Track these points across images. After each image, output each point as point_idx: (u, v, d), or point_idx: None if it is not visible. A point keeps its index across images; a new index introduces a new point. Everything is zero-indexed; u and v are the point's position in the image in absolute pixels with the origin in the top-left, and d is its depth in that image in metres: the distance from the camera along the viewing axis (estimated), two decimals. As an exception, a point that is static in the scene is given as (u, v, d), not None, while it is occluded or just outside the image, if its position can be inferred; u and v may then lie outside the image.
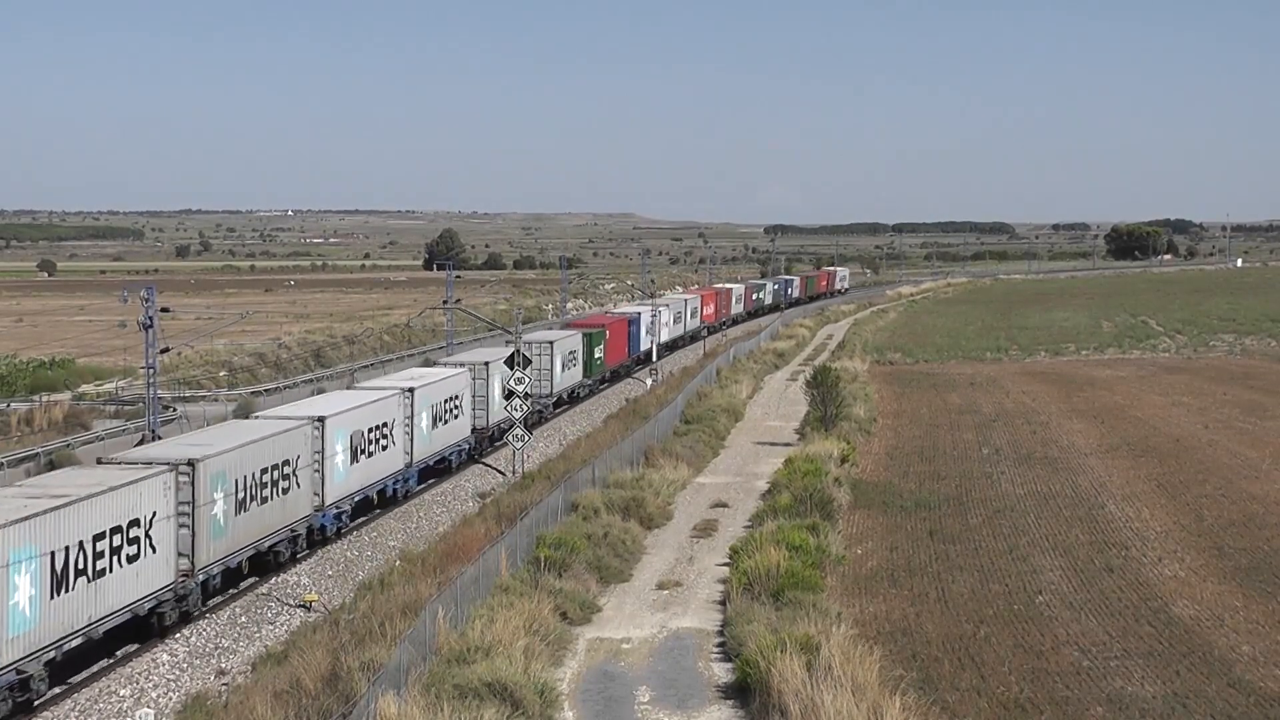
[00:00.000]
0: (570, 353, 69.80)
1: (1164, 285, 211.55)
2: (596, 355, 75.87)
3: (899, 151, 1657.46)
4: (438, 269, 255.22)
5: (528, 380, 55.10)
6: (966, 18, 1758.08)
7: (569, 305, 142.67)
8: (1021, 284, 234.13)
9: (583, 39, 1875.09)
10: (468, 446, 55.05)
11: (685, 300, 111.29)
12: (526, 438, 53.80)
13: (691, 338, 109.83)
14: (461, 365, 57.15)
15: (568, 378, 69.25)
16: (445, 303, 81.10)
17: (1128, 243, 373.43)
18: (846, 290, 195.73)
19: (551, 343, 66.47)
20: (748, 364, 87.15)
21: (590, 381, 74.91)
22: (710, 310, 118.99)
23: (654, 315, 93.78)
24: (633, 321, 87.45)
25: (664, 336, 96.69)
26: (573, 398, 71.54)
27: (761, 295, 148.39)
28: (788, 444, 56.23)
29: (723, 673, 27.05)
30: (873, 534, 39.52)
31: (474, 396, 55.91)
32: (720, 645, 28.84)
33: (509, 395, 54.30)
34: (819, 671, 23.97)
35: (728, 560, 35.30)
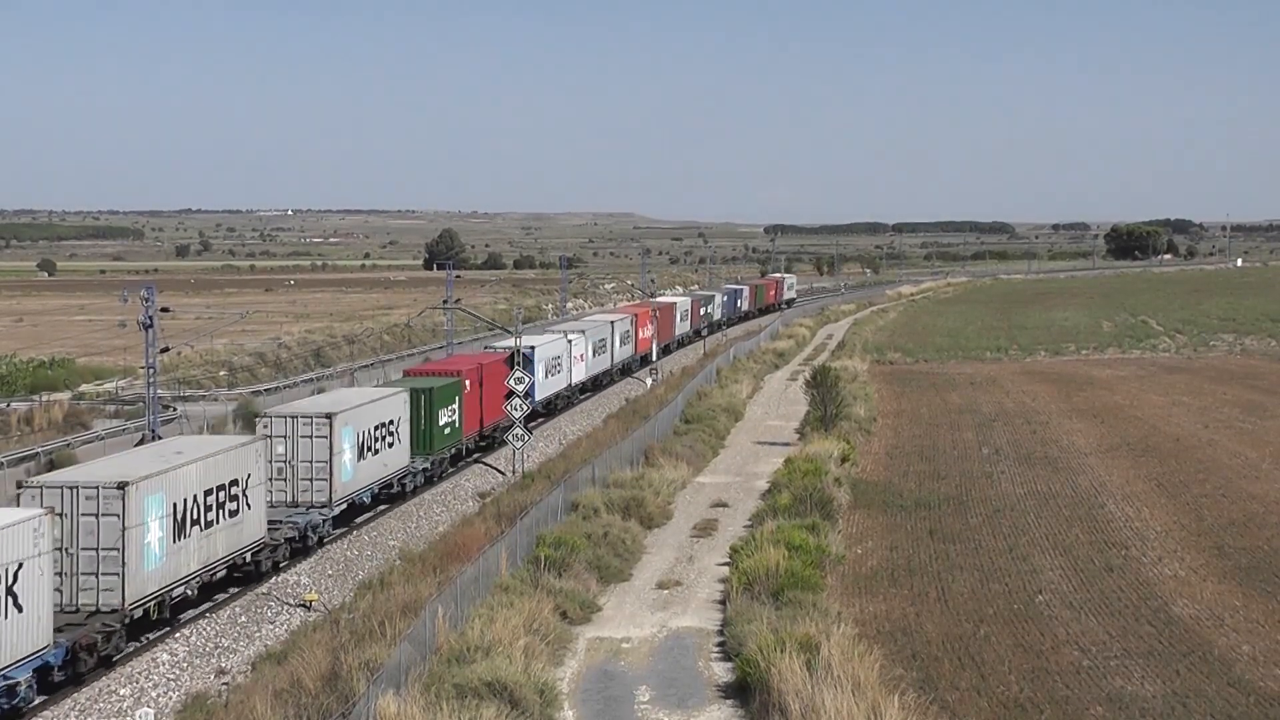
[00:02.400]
0: (380, 426, 44.84)
1: (1164, 285, 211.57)
2: (444, 420, 50.44)
3: (899, 151, 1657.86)
4: (438, 269, 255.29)
5: (527, 380, 55.05)
6: (966, 17, 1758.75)
7: (569, 305, 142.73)
8: (1021, 284, 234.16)
9: (583, 39, 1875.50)
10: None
11: (612, 323, 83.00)
12: (526, 437, 53.79)
13: (622, 370, 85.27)
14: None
15: (373, 467, 44.25)
16: (445, 302, 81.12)
17: (1128, 242, 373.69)
18: (794, 301, 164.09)
19: (330, 416, 40.94)
20: (748, 364, 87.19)
21: (427, 465, 49.32)
22: (648, 333, 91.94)
23: (560, 348, 68.87)
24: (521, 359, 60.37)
25: (578, 375, 72.55)
26: (389, 496, 46.75)
27: (710, 309, 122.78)
28: (788, 444, 56.23)
29: (723, 672, 27.05)
30: (873, 533, 39.52)
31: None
32: (720, 645, 28.84)
33: (509, 395, 54.28)
34: (819, 671, 23.98)
35: (728, 560, 35.31)
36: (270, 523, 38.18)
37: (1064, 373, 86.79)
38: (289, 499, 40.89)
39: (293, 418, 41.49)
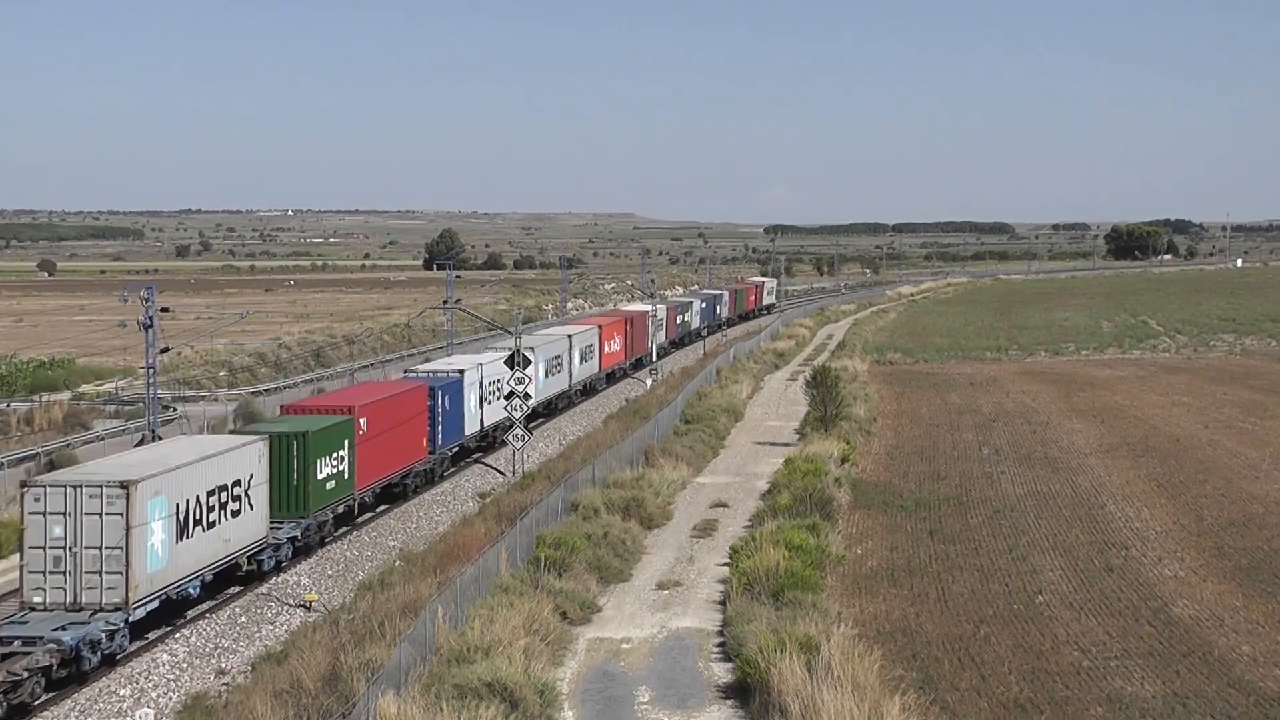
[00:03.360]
0: (218, 490, 34.17)
1: (1164, 285, 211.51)
2: (326, 472, 40.04)
3: (899, 151, 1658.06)
4: (438, 269, 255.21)
5: (528, 380, 54.96)
6: (966, 17, 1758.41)
7: (569, 305, 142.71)
8: (1021, 284, 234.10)
9: (583, 39, 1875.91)
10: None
11: (570, 337, 70.45)
12: (526, 437, 53.75)
13: (584, 391, 73.73)
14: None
15: (204, 546, 33.59)
16: (445, 303, 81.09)
17: (1128, 243, 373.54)
18: (773, 307, 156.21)
19: (127, 485, 30.29)
20: (748, 364, 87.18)
21: (297, 532, 38.71)
22: (615, 347, 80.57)
23: (500, 370, 55.95)
24: (442, 389, 49.85)
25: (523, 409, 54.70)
26: (243, 577, 36.81)
27: (688, 317, 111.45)
28: (788, 444, 56.21)
29: (723, 672, 27.05)
30: (873, 534, 39.52)
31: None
32: (720, 645, 28.84)
33: (509, 395, 54.20)
34: (819, 671, 23.97)
35: (728, 560, 35.30)
36: (20, 640, 28.44)
37: (1064, 373, 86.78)
38: (68, 599, 30.28)
39: (74, 487, 30.34)
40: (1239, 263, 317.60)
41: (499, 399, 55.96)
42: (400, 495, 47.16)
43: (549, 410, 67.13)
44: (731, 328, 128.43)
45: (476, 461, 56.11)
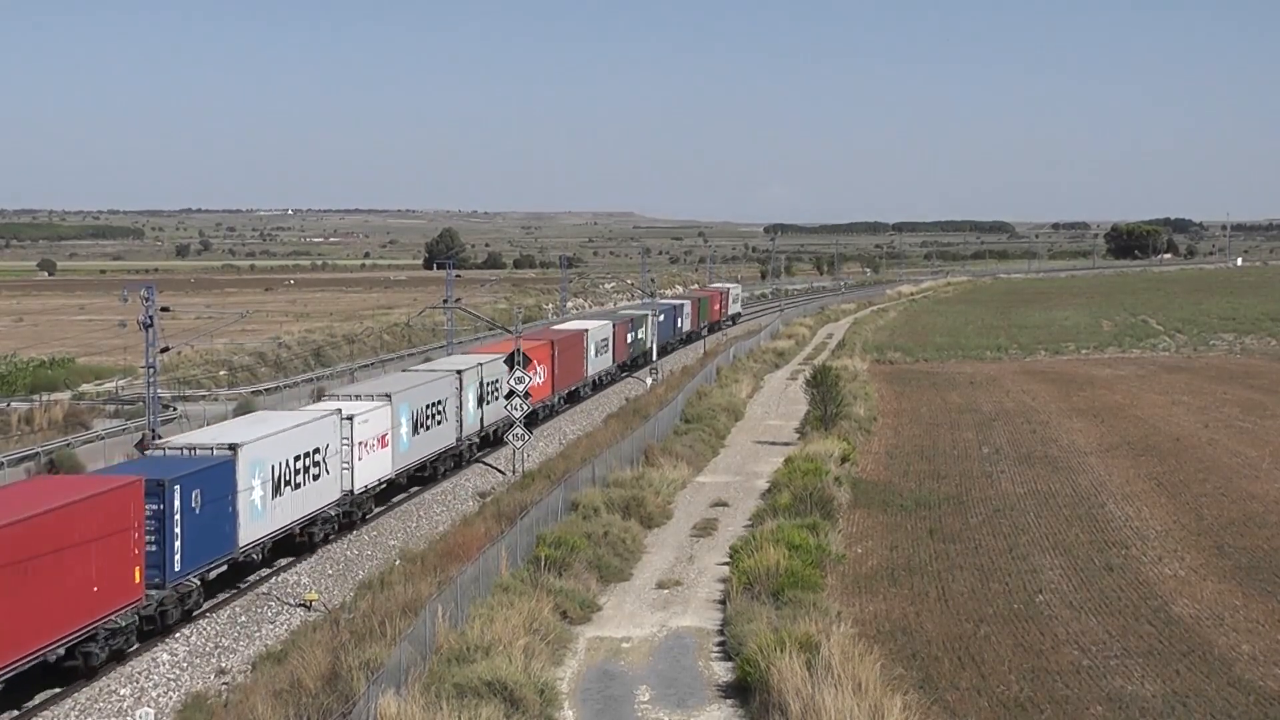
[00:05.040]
0: None
1: (1164, 284, 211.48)
2: None
3: (899, 151, 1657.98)
4: (438, 268, 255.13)
5: (526, 380, 54.86)
6: (966, 16, 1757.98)
7: (569, 305, 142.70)
8: (1021, 283, 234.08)
9: (583, 38, 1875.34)
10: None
11: (460, 373, 53.02)
12: (526, 437, 53.76)
13: (486, 441, 57.31)
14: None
15: None
16: (445, 302, 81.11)
17: (1128, 242, 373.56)
18: (739, 317, 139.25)
19: None
20: (748, 363, 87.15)
21: None
22: (539, 379, 62.22)
23: (326, 432, 40.89)
24: (183, 482, 32.48)
25: (372, 471, 44.28)
26: None
27: (642, 333, 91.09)
28: (788, 443, 56.21)
29: (723, 672, 27.04)
30: (873, 533, 39.52)
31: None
32: (720, 644, 28.83)
33: (509, 395, 54.19)
34: (819, 670, 23.96)
35: (728, 559, 35.29)
36: None
37: (1064, 372, 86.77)
38: None
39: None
40: (1239, 262, 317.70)
41: (306, 482, 39.52)
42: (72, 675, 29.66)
43: (427, 477, 50.30)
44: (692, 343, 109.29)
45: (478, 461, 56.11)
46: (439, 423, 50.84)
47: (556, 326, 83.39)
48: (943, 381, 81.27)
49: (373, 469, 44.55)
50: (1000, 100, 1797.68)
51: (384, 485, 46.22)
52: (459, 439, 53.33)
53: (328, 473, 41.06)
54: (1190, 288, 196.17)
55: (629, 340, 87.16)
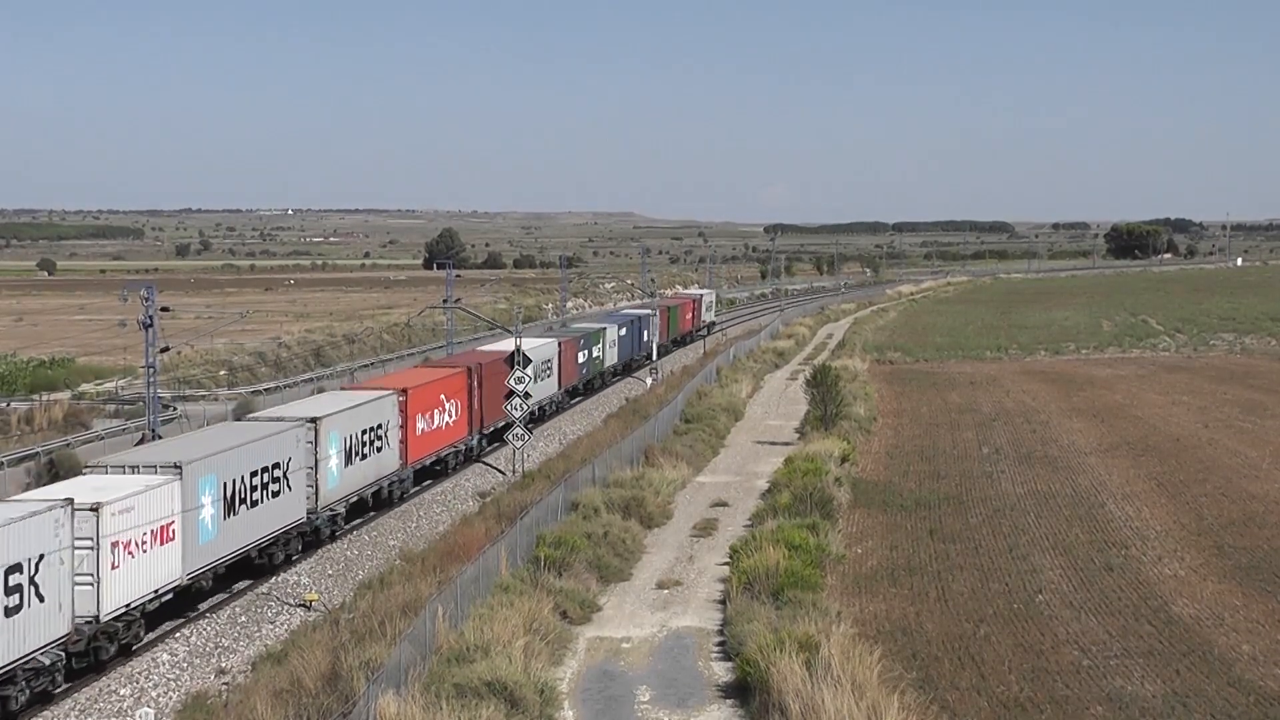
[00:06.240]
0: None
1: (1164, 284, 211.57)
2: None
3: (899, 151, 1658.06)
4: (438, 268, 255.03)
5: (527, 379, 54.85)
6: (966, 17, 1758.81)
7: (569, 304, 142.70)
8: (1021, 283, 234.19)
9: (583, 39, 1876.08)
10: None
11: (334, 415, 41.53)
12: (527, 437, 53.76)
13: (381, 500, 46.10)
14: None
15: None
16: (445, 302, 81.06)
17: (1128, 242, 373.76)
18: (714, 325, 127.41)
19: None
20: (748, 363, 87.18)
21: None
22: (451, 417, 51.93)
23: (144, 508, 30.58)
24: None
25: (172, 567, 32.23)
26: None
27: (598, 351, 78.55)
28: (788, 443, 56.22)
29: (723, 672, 27.05)
30: (873, 533, 39.52)
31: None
32: (720, 644, 28.84)
33: (509, 395, 54.18)
34: (819, 670, 23.96)
35: (728, 559, 35.29)
36: None
37: (1064, 372, 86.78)
38: None
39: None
40: (1239, 261, 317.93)
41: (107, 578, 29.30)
42: None
43: (267, 568, 38.01)
44: (661, 358, 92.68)
45: (478, 460, 56.08)
46: (274, 494, 37.41)
47: (483, 347, 68.98)
48: (943, 381, 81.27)
49: (140, 578, 30.78)
50: (1000, 100, 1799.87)
51: (168, 596, 32.35)
52: (315, 508, 40.04)
53: (144, 561, 29.97)
54: (1190, 288, 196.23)
55: (581, 360, 74.07)
